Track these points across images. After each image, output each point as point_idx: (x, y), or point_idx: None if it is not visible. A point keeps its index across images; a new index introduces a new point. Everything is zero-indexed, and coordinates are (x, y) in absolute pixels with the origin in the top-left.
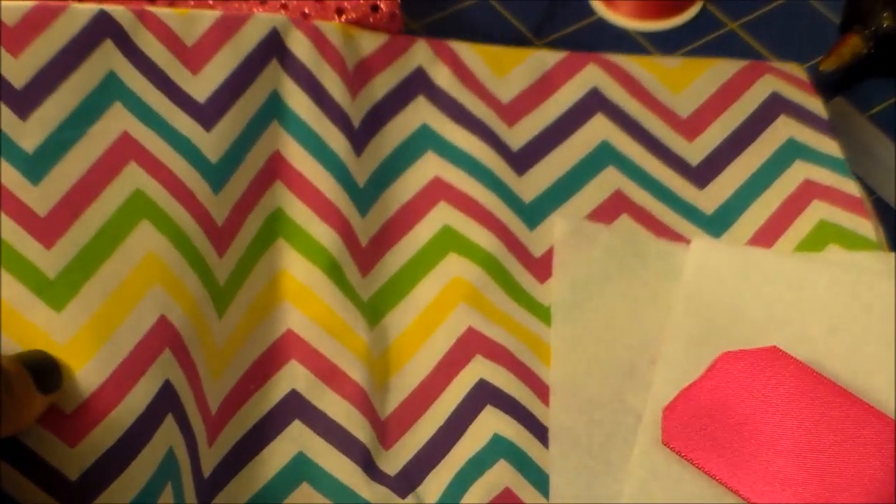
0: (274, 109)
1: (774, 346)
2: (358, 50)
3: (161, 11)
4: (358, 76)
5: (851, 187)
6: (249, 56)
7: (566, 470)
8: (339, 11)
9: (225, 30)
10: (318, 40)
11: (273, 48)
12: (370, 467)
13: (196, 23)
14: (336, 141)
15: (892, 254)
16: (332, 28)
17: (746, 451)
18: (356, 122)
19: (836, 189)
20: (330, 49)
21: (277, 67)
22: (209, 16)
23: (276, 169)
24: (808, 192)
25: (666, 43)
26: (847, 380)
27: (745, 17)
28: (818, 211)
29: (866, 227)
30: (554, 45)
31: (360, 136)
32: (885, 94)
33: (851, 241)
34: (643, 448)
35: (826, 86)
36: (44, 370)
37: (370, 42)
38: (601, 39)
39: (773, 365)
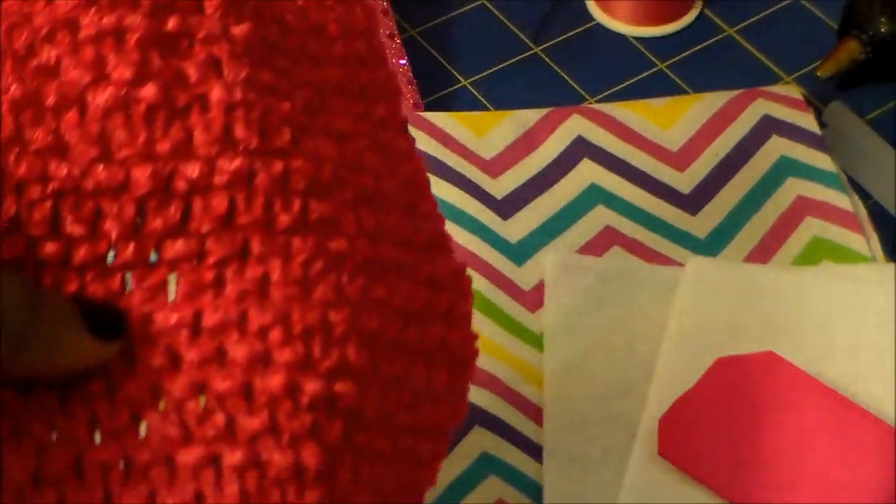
0: None
1: (770, 352)
2: None
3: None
4: None
5: (843, 201)
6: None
7: (560, 485)
8: None
9: None
10: None
11: None
12: None
13: None
14: None
15: (889, 265)
16: None
17: (743, 458)
18: None
19: (829, 204)
20: None
21: None
22: None
23: None
24: (800, 209)
25: (663, 48)
26: (845, 389)
27: (743, 23)
28: (811, 228)
29: (858, 241)
30: (552, 50)
31: None
32: (883, 99)
33: (844, 256)
34: (638, 460)
35: (823, 91)
36: (102, 313)
37: None
38: (599, 45)
39: (769, 370)
